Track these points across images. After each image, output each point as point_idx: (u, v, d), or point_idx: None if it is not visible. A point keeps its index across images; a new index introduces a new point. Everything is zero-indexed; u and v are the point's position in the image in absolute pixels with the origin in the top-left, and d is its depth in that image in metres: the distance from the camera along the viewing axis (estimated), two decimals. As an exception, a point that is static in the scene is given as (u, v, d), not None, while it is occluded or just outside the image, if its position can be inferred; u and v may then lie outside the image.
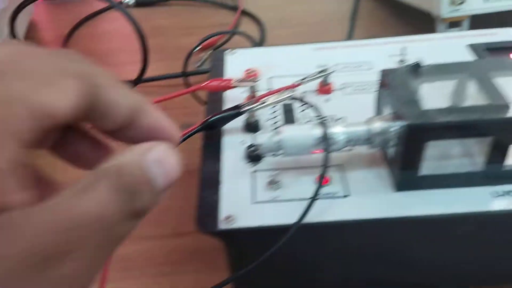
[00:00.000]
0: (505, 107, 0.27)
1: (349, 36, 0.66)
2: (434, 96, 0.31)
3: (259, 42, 0.66)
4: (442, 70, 0.30)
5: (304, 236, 0.29)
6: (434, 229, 0.29)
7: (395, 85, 0.29)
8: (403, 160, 0.28)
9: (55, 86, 0.16)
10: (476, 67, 0.30)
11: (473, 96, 0.29)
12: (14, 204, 0.15)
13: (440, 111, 0.27)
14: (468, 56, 0.41)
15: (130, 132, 0.19)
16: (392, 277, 0.32)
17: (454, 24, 0.54)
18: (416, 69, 0.30)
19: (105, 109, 0.18)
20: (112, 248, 0.17)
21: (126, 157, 0.17)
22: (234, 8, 0.76)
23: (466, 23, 0.54)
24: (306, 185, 0.30)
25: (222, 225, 0.28)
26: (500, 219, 0.29)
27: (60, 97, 0.16)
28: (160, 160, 0.18)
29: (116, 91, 0.18)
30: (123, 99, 0.19)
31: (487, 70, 0.29)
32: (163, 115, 0.20)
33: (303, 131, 0.29)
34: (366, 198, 0.29)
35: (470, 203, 0.28)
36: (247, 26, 0.72)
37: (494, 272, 0.33)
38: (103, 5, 0.77)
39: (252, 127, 0.35)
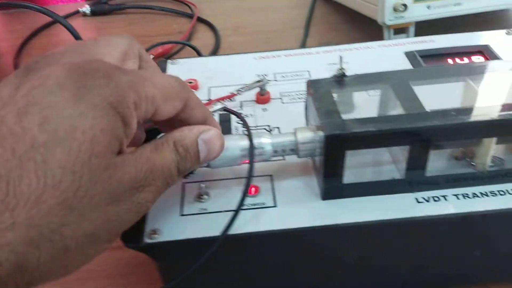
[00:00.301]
0: (422, 115, 0.28)
1: (303, 43, 0.67)
2: (358, 106, 0.32)
3: (214, 50, 0.66)
4: (365, 80, 0.31)
5: (232, 248, 0.29)
6: (360, 236, 0.29)
7: (319, 95, 0.30)
8: (326, 169, 0.28)
9: (170, 102, 0.25)
10: (397, 77, 0.31)
11: (394, 105, 0.29)
12: (125, 151, 0.23)
13: (359, 121, 0.27)
14: (405, 64, 0.41)
15: None
16: (323, 285, 0.33)
17: (399, 30, 0.55)
18: (340, 79, 0.31)
19: (189, 120, 0.27)
20: (163, 190, 0.25)
21: (188, 131, 0.26)
22: (191, 16, 0.76)
23: (411, 30, 0.55)
24: (235, 196, 0.30)
25: (147, 239, 0.28)
26: (425, 224, 0.29)
27: (170, 110, 0.25)
28: (208, 141, 0.27)
29: (198, 110, 0.27)
30: (200, 115, 0.27)
31: (408, 79, 0.30)
32: (217, 123, 0.29)
33: (229, 143, 0.29)
34: (294, 208, 0.29)
35: (395, 209, 0.29)
36: (203, 34, 0.72)
37: (427, 276, 0.33)
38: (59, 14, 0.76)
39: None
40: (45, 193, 0.19)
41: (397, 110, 0.29)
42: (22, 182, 0.19)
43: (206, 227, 0.28)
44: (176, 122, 0.27)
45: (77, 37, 0.48)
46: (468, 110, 0.28)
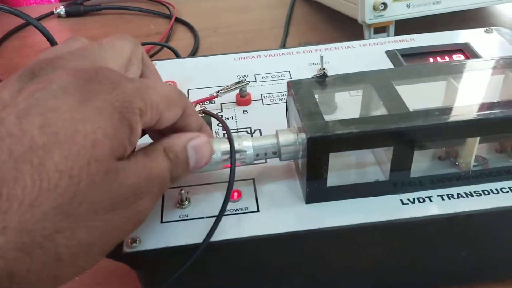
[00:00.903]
0: (406, 115, 0.27)
1: (283, 43, 0.66)
2: (340, 107, 0.31)
3: (193, 51, 0.65)
4: (347, 80, 0.30)
5: (215, 255, 0.28)
6: (345, 239, 0.29)
7: (300, 96, 0.29)
8: (309, 172, 0.27)
9: (171, 110, 0.25)
10: (379, 76, 0.30)
11: (377, 106, 0.29)
12: (126, 157, 0.23)
13: (342, 122, 0.27)
14: (386, 63, 0.41)
15: None
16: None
17: (379, 29, 0.55)
18: (322, 79, 0.30)
19: (185, 128, 0.27)
20: (158, 199, 0.25)
21: (178, 138, 0.26)
22: (169, 17, 0.75)
23: (391, 29, 0.55)
24: (217, 201, 0.29)
25: (126, 249, 0.27)
26: (411, 226, 0.28)
27: (172, 117, 0.25)
28: (197, 147, 0.26)
29: (194, 118, 0.27)
30: (195, 124, 0.27)
31: (390, 78, 0.30)
32: (211, 133, 0.30)
33: (210, 147, 0.29)
34: (277, 212, 0.29)
35: (380, 212, 0.28)
36: (182, 35, 0.71)
37: (413, 278, 0.33)
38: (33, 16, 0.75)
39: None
40: (40, 197, 0.19)
41: (380, 110, 0.28)
42: (17, 184, 0.19)
43: (188, 234, 0.27)
44: (171, 130, 0.26)
45: (50, 39, 0.46)
46: (452, 110, 0.27)
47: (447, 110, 0.27)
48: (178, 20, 0.74)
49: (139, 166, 0.23)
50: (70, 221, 0.20)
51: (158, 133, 0.28)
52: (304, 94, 0.29)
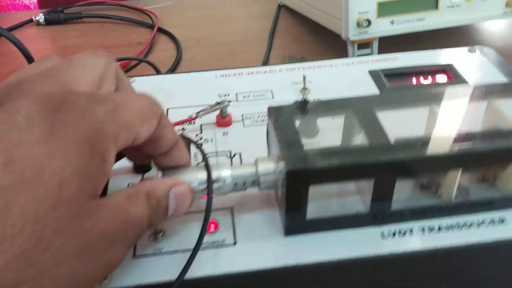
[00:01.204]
0: (388, 148, 0.26)
1: (267, 56, 0.65)
2: (321, 136, 0.30)
3: (175, 62, 0.64)
4: (329, 107, 0.30)
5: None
6: (325, 274, 0.28)
7: (280, 124, 0.28)
8: (288, 205, 0.27)
9: (146, 124, 0.23)
10: (362, 104, 0.29)
11: (359, 136, 0.28)
12: (98, 195, 0.21)
13: (322, 154, 0.26)
14: (369, 83, 0.40)
15: (164, 159, 0.27)
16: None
17: (363, 45, 0.54)
18: (303, 106, 0.29)
19: (160, 139, 0.25)
20: (133, 244, 0.24)
21: (160, 183, 0.25)
22: (151, 26, 0.73)
23: (375, 45, 0.55)
24: (193, 232, 0.28)
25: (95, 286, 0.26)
26: (391, 261, 0.28)
27: (148, 130, 0.24)
28: (179, 196, 0.25)
29: (169, 129, 0.26)
30: (171, 135, 0.26)
31: (373, 106, 0.29)
32: (186, 150, 0.28)
33: (186, 175, 0.27)
34: (255, 245, 0.28)
35: (360, 246, 0.27)
36: (164, 45, 0.70)
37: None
38: (8, 24, 0.73)
39: (142, 166, 0.33)
40: (3, 244, 0.17)
41: (362, 140, 0.28)
42: None
43: (162, 270, 0.26)
44: (146, 144, 0.25)
45: (23, 50, 0.44)
46: (434, 142, 0.27)
47: (429, 142, 0.27)
48: (161, 30, 0.72)
49: (116, 210, 0.21)
50: (33, 270, 0.18)
51: (133, 149, 0.26)
52: (284, 122, 0.28)
